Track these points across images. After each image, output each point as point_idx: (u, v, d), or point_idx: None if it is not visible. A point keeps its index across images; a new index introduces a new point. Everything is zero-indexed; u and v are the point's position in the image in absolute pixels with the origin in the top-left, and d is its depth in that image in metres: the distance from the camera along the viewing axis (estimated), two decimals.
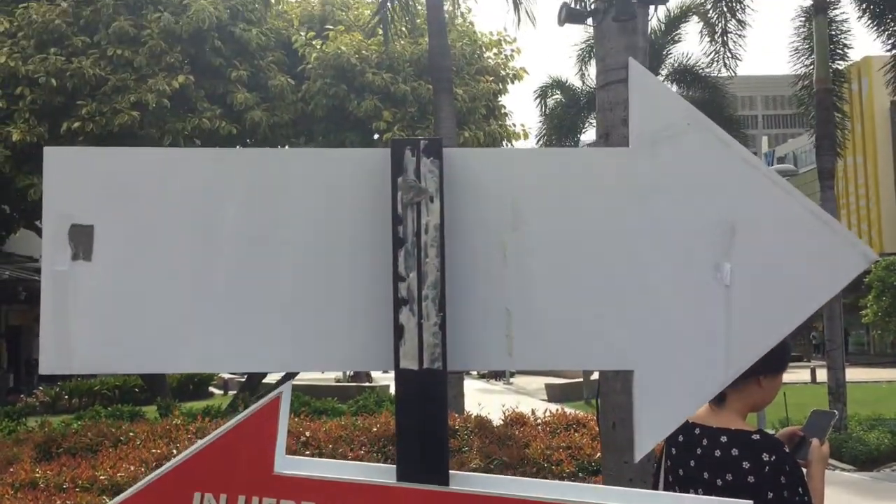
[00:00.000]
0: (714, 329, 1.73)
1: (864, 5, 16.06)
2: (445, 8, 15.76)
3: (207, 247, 1.75)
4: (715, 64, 19.65)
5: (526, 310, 1.76)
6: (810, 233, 1.74)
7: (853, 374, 22.38)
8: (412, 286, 1.69)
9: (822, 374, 19.24)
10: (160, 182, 1.76)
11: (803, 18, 17.02)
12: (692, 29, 25.09)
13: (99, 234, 1.74)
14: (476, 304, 1.76)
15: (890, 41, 16.05)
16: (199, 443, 1.73)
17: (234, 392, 22.98)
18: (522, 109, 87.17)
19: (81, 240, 1.73)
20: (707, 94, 25.16)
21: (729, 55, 18.80)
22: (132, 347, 1.73)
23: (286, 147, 21.39)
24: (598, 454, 8.33)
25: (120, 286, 1.73)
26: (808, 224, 1.76)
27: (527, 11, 15.48)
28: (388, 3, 15.96)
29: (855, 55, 22.28)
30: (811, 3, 16.14)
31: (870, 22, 16.15)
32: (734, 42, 18.61)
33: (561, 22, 6.63)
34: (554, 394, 26.49)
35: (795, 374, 29.53)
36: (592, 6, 6.89)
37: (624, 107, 6.51)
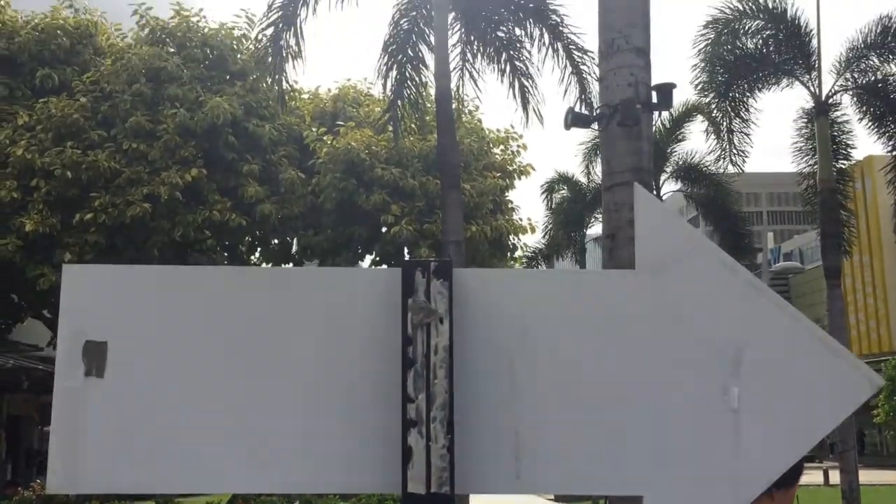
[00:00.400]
0: (722, 454, 1.73)
1: (864, 108, 16.40)
2: (453, 106, 16.13)
3: (219, 366, 1.77)
4: (721, 161, 19.85)
5: (534, 433, 1.75)
6: (817, 359, 1.75)
7: (867, 475, 21.89)
8: (421, 408, 1.70)
9: (835, 476, 18.82)
10: (174, 301, 1.79)
11: (805, 120, 17.34)
12: (696, 128, 25.57)
13: (112, 350, 1.76)
14: (485, 426, 1.76)
15: (890, 143, 16.31)
16: None
17: None
18: (529, 202, 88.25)
19: (95, 356, 1.75)
20: (712, 191, 25.45)
21: (735, 153, 19.01)
22: (142, 468, 1.73)
23: (295, 239, 21.67)
24: None
25: (131, 405, 1.74)
26: (814, 350, 1.77)
27: (535, 110, 15.84)
28: (398, 101, 16.34)
29: (859, 153, 22.60)
30: (812, 105, 16.48)
31: (870, 124, 16.46)
32: (739, 140, 18.86)
33: (567, 126, 6.79)
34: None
35: (808, 476, 28.88)
36: (598, 111, 7.06)
37: (630, 208, 6.59)
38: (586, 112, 14.30)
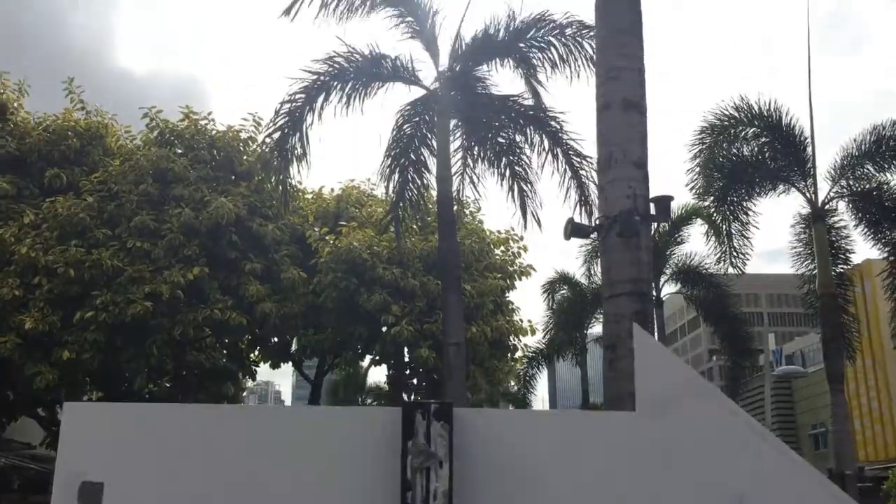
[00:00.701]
0: None
1: (859, 214, 16.61)
2: (454, 208, 16.34)
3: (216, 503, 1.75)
4: (722, 263, 19.97)
5: None
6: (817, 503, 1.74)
7: None
8: None
9: None
10: (174, 440, 1.79)
11: (803, 225, 17.53)
12: (696, 230, 25.82)
13: (108, 491, 1.75)
14: None
15: (887, 249, 16.46)
16: None
17: None
18: (529, 300, 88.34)
19: (90, 498, 1.74)
20: (712, 292, 25.52)
21: (735, 255, 19.15)
22: None
23: (295, 338, 21.57)
24: None
25: None
26: (815, 494, 1.75)
27: (533, 214, 16.04)
28: (400, 203, 16.58)
29: (859, 255, 22.70)
30: (809, 211, 16.71)
31: (866, 230, 16.64)
32: (739, 242, 19.02)
33: (567, 236, 6.87)
34: None
35: None
36: (597, 221, 7.17)
37: (630, 319, 6.62)
38: (586, 218, 14.53)
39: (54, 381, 16.97)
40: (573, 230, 6.87)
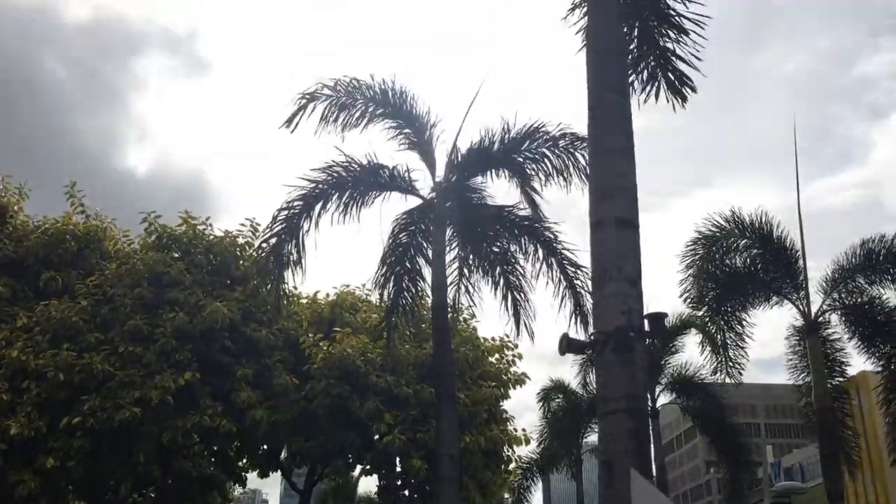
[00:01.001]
0: None
1: (853, 327, 16.66)
2: (449, 316, 16.35)
3: None
4: (718, 374, 19.84)
5: None
6: None
7: None
8: None
9: None
10: None
11: (797, 337, 17.54)
12: (690, 339, 25.79)
13: None
14: None
15: (881, 363, 16.45)
16: None
17: None
18: (523, 407, 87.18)
19: None
20: (707, 403, 25.29)
21: (731, 365, 19.06)
22: None
23: (285, 445, 21.17)
24: None
25: None
26: None
27: (526, 325, 16.08)
28: (394, 311, 16.61)
29: (855, 367, 22.61)
30: (802, 322, 16.74)
31: (860, 343, 16.65)
32: (734, 353, 18.95)
33: (562, 352, 6.88)
34: None
35: None
36: (591, 336, 7.18)
37: (627, 437, 6.56)
38: (581, 328, 14.56)
39: (37, 489, 16.55)
40: (568, 346, 6.88)
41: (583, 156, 14.89)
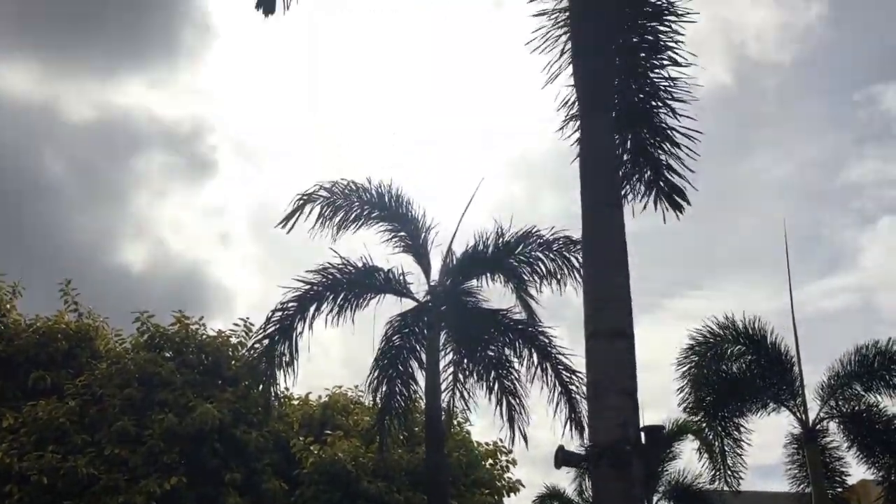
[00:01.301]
0: None
1: (851, 436, 16.45)
2: (443, 419, 16.13)
3: None
4: (716, 482, 19.47)
5: None
6: None
7: None
8: None
9: None
10: None
11: (795, 445, 17.31)
12: (687, 446, 25.36)
13: None
14: None
15: (881, 473, 16.18)
16: None
17: None
18: None
19: None
20: None
21: (729, 473, 18.70)
22: None
23: None
24: None
25: None
26: None
27: (520, 429, 15.90)
28: (387, 415, 16.41)
29: (855, 475, 22.18)
30: (800, 430, 16.54)
31: (859, 452, 16.42)
32: (733, 460, 18.63)
33: (558, 465, 6.78)
34: None
35: None
36: (587, 449, 7.08)
37: None
38: (576, 435, 14.37)
39: None
40: (563, 459, 6.77)
41: (576, 258, 15.02)
